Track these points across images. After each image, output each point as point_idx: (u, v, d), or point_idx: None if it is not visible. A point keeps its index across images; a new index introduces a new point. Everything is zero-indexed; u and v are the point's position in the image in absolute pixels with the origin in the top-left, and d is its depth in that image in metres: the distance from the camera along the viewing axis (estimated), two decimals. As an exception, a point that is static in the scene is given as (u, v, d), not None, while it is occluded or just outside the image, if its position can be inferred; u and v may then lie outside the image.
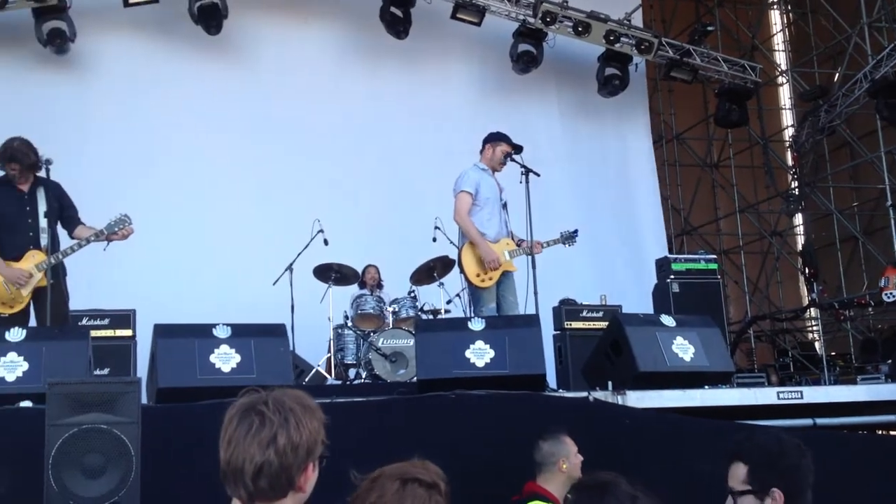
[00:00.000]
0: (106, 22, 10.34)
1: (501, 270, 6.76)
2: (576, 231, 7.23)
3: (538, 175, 6.76)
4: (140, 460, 3.96)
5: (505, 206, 6.94)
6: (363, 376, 8.34)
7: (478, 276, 6.72)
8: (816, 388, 7.96)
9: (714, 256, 10.21)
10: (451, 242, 8.38)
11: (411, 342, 8.04)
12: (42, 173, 5.99)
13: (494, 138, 7.06)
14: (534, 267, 6.48)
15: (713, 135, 15.97)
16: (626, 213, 12.09)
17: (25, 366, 4.83)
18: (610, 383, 5.44)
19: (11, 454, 4.20)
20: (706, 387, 5.78)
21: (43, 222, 5.94)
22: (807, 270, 13.30)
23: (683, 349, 5.68)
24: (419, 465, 2.11)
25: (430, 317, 8.57)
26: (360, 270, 9.19)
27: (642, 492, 2.38)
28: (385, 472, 2.11)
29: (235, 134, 10.55)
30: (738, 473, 2.67)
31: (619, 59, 11.55)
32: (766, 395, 6.01)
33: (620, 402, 5.29)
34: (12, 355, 4.86)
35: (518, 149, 6.98)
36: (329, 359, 8.69)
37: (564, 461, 4.31)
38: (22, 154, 5.86)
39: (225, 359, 5.02)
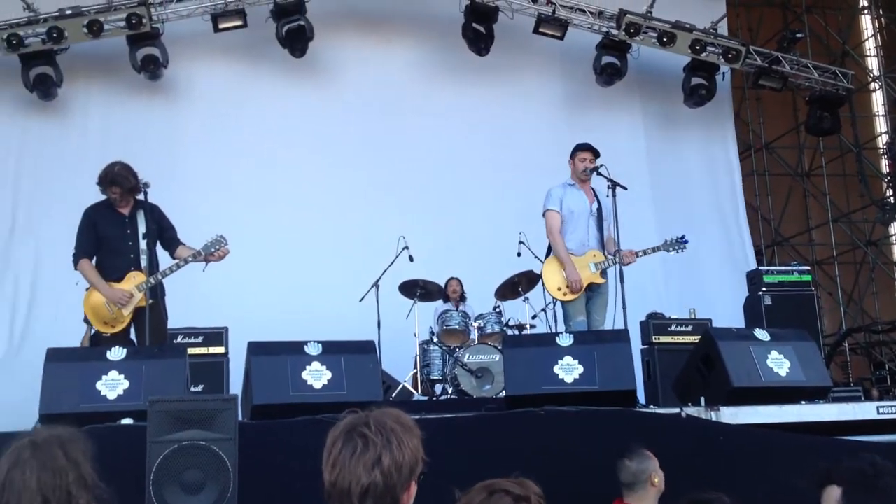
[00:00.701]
0: (196, 48, 10.67)
1: (586, 284, 6.71)
2: (683, 238, 7.08)
3: (625, 188, 6.71)
4: (237, 476, 4.05)
5: (599, 216, 6.87)
6: (449, 392, 8.37)
7: (559, 289, 6.74)
8: (920, 402, 7.65)
9: (807, 268, 9.93)
10: (536, 257, 8.38)
11: (497, 357, 8.04)
12: (140, 196, 6.18)
13: (574, 150, 7.08)
14: (622, 281, 6.42)
15: (804, 143, 15.55)
16: (714, 225, 11.85)
17: (126, 384, 4.98)
18: (702, 399, 5.34)
19: (112, 471, 4.32)
20: (802, 402, 5.62)
21: (143, 244, 6.11)
22: (904, 281, 12.84)
23: (778, 364, 5.56)
24: (515, 480, 2.12)
25: (516, 332, 8.56)
26: (442, 285, 9.24)
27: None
28: (478, 484, 2.13)
29: (321, 153, 10.75)
30: (833, 496, 2.61)
31: (706, 68, 11.36)
32: (865, 411, 5.82)
33: (714, 419, 5.20)
34: (113, 374, 5.02)
35: (594, 152, 6.95)
36: (415, 374, 8.74)
37: (655, 475, 4.27)
38: (122, 178, 6.06)
39: (316, 375, 5.11)
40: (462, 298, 9.42)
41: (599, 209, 6.88)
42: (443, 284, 9.25)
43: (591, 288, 6.77)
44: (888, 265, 15.08)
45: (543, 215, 6.93)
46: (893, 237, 15.70)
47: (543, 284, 6.91)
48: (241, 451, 4.10)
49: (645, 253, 6.84)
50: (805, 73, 11.98)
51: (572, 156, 7.06)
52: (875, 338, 14.58)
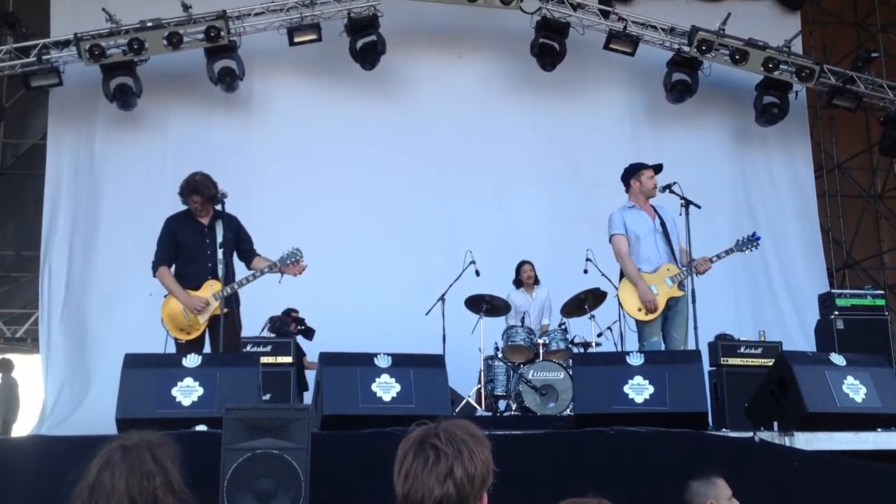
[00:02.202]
0: (271, 62, 10.92)
1: (666, 299, 6.65)
2: (755, 235, 7.00)
3: (699, 207, 6.65)
4: (309, 486, 4.08)
5: (664, 231, 6.81)
6: (513, 408, 8.34)
7: (639, 310, 6.64)
8: None
9: (881, 292, 9.70)
10: (603, 274, 8.34)
11: (562, 375, 8.01)
12: (219, 207, 6.31)
13: (634, 170, 7.02)
14: (694, 301, 6.35)
15: (877, 164, 15.21)
16: (785, 247, 11.64)
17: (201, 391, 5.06)
18: (776, 424, 5.25)
19: (186, 477, 4.41)
20: (879, 429, 5.49)
21: (220, 253, 6.22)
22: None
23: (854, 389, 5.44)
24: (596, 500, 2.11)
25: (581, 349, 8.50)
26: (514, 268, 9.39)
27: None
28: (562, 501, 2.13)
29: (392, 168, 10.88)
30: None
31: (778, 86, 11.20)
32: (944, 439, 5.66)
33: (788, 444, 5.10)
34: (188, 380, 5.11)
35: (658, 168, 6.94)
36: (479, 390, 8.73)
37: (714, 502, 4.18)
38: (203, 187, 6.20)
39: (386, 388, 5.15)
40: (536, 282, 9.44)
41: (663, 224, 6.83)
42: (516, 267, 9.38)
43: (669, 306, 6.69)
44: (963, 289, 14.64)
45: (610, 241, 6.92)
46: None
47: (622, 307, 6.85)
48: (311, 460, 4.13)
49: (719, 257, 6.76)
50: (880, 93, 11.74)
51: (635, 175, 6.99)
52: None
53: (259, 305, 8.82)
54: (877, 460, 5.11)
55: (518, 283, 9.44)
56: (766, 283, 11.07)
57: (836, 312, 8.93)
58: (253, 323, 7.90)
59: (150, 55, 10.01)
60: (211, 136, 10.71)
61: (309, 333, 9.26)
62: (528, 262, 9.48)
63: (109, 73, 10.02)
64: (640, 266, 6.72)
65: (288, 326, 9.05)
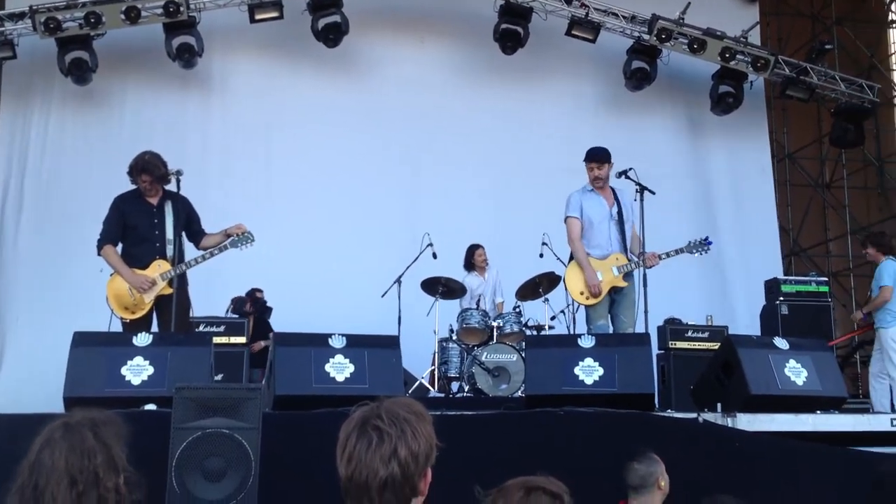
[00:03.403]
0: (231, 39, 10.81)
1: (609, 287, 6.75)
2: (707, 239, 7.09)
3: (653, 193, 6.75)
4: (259, 465, 4.09)
5: (620, 219, 6.88)
6: (465, 390, 8.41)
7: (581, 293, 6.75)
8: (933, 416, 7.64)
9: (825, 279, 9.94)
10: (558, 258, 8.42)
11: (515, 357, 8.09)
12: (173, 184, 6.26)
13: (585, 158, 7.06)
14: (645, 286, 6.45)
15: (826, 155, 15.50)
16: (738, 234, 11.82)
17: (151, 370, 5.02)
18: (720, 405, 5.37)
19: (134, 456, 4.39)
20: (818, 412, 5.64)
21: (170, 234, 6.20)
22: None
23: (796, 373, 5.57)
24: (548, 478, 2.16)
25: (534, 332, 8.60)
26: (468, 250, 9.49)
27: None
28: (510, 482, 2.16)
29: (351, 149, 10.86)
30: None
31: (734, 76, 11.35)
32: (879, 422, 5.83)
33: (730, 425, 5.22)
34: (139, 359, 5.06)
35: (599, 160, 6.88)
36: (433, 371, 8.80)
37: (661, 479, 4.30)
38: (153, 166, 6.14)
39: (339, 368, 5.15)
40: (486, 263, 9.57)
41: (620, 212, 6.89)
42: (468, 250, 9.49)
43: (616, 291, 6.79)
44: (905, 279, 14.98)
45: (564, 221, 6.97)
46: (912, 251, 15.60)
47: (566, 289, 6.95)
48: (262, 440, 4.14)
49: (668, 255, 6.83)
50: (832, 85, 11.95)
51: (584, 161, 7.04)
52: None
53: (219, 285, 8.81)
54: (815, 441, 5.25)
55: (470, 266, 9.51)
56: (717, 268, 11.24)
57: (782, 298, 9.16)
58: (208, 303, 7.88)
59: (106, 29, 9.84)
60: (168, 113, 10.58)
61: (266, 311, 9.26)
62: (480, 246, 9.57)
63: (65, 47, 9.84)
64: (591, 251, 6.80)
65: (244, 306, 9.04)
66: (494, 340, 8.51)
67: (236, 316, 8.73)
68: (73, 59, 9.86)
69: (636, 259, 6.74)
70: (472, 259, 9.51)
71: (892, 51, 15.71)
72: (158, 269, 6.16)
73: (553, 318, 8.76)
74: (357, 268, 10.04)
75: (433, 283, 8.83)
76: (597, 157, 6.91)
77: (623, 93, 11.48)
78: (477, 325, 8.73)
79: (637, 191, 6.75)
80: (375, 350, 5.30)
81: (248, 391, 4.31)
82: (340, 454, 2.01)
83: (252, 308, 9.13)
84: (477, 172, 11.06)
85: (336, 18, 10.11)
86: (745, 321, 10.33)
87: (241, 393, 4.26)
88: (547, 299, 8.78)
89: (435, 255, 9.02)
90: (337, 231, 10.43)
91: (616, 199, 6.94)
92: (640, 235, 6.77)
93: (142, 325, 6.06)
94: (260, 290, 9.38)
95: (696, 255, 7.09)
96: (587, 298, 6.72)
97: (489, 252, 9.62)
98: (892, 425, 5.70)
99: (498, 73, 11.28)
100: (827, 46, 12.02)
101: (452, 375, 8.67)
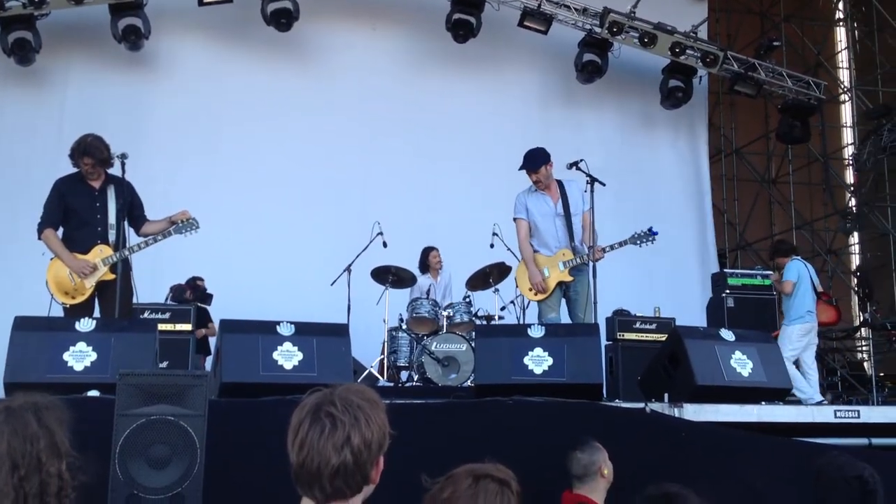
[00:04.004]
0: (179, 22, 10.63)
1: (555, 283, 6.83)
2: (651, 230, 7.14)
3: (603, 184, 6.79)
4: (204, 453, 4.03)
5: (566, 213, 6.92)
6: (415, 379, 8.40)
7: (530, 289, 6.90)
8: (874, 408, 7.82)
9: (770, 273, 10.12)
10: (509, 249, 8.44)
11: (464, 347, 8.10)
12: (117, 168, 6.14)
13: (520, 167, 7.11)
14: (594, 277, 6.50)
15: (773, 150, 15.79)
16: (681, 227, 11.98)
17: (94, 356, 4.91)
18: (667, 395, 5.42)
19: (77, 443, 4.29)
20: (763, 402, 5.73)
21: (112, 218, 6.09)
22: (861, 290, 13.09)
23: (742, 364, 5.64)
24: (495, 465, 2.15)
25: (484, 322, 8.61)
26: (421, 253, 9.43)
27: (709, 504, 2.40)
28: (458, 470, 2.15)
29: (300, 135, 10.77)
30: None
31: (684, 71, 11.49)
32: (823, 414, 5.95)
33: (677, 415, 5.27)
34: (81, 345, 4.94)
35: (533, 169, 6.90)
36: (382, 360, 8.77)
37: (604, 467, 4.34)
38: (95, 149, 6.02)
39: (288, 356, 5.09)
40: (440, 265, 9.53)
41: (566, 206, 6.93)
42: (423, 252, 9.42)
43: (570, 289, 6.90)
44: (846, 274, 15.36)
45: (514, 221, 7.08)
46: (853, 247, 15.97)
47: (517, 286, 7.10)
48: (208, 428, 4.08)
49: (612, 248, 6.92)
50: (779, 81, 12.15)
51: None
52: (829, 345, 14.83)
53: (163, 272, 8.66)
54: (760, 432, 5.33)
55: (425, 267, 9.47)
56: (665, 260, 11.36)
57: (728, 291, 9.33)
58: (153, 290, 7.76)
59: (51, 9, 9.64)
60: (113, 96, 10.37)
61: (206, 299, 9.13)
62: (435, 248, 9.53)
63: (7, 27, 9.61)
64: (540, 249, 6.93)
65: (184, 294, 8.91)
66: (444, 330, 8.51)
67: (175, 304, 8.60)
68: (15, 39, 9.63)
69: (584, 252, 6.80)
70: (427, 260, 9.47)
71: (839, 48, 16.04)
72: (100, 254, 6.05)
73: (503, 308, 8.79)
74: (306, 256, 9.97)
75: (383, 272, 8.79)
76: (528, 166, 6.92)
77: (574, 85, 11.55)
78: (427, 315, 8.72)
79: (587, 182, 6.79)
80: (324, 338, 5.24)
81: (193, 378, 4.23)
82: (292, 440, 1.98)
83: (192, 296, 9.00)
84: (428, 161, 11.04)
85: (286, 4, 10.01)
86: (693, 313, 10.46)
87: (187, 380, 4.18)
88: (497, 289, 8.81)
89: (385, 244, 8.98)
90: (286, 218, 10.34)
91: (562, 192, 6.99)
92: (592, 227, 6.81)
93: (83, 310, 5.96)
94: (201, 279, 9.25)
95: (642, 245, 7.15)
96: (535, 294, 6.85)
97: (443, 251, 9.60)
98: (836, 417, 5.82)
99: (450, 62, 11.27)
100: (775, 43, 12.23)
101: (402, 365, 8.66)
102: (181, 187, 9.50)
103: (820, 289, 8.95)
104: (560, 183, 7.04)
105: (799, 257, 8.98)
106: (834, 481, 3.05)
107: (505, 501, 2.09)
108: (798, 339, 8.46)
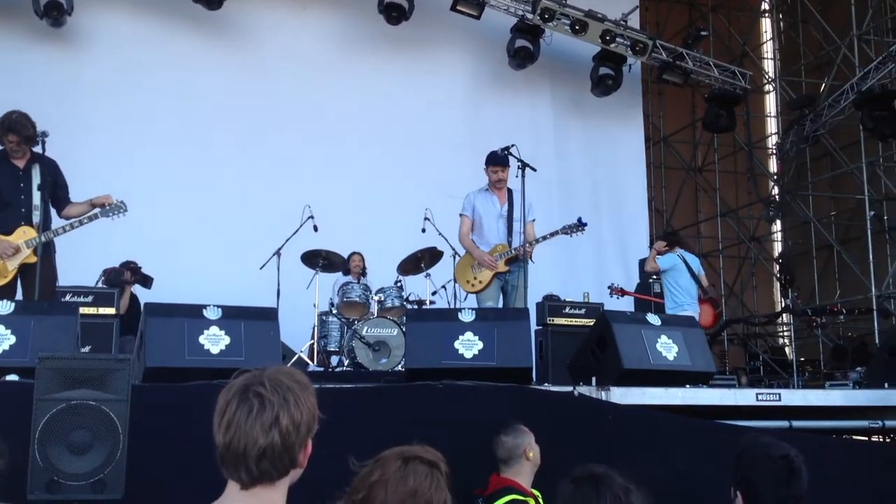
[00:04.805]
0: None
1: (492, 275, 7.09)
2: (581, 220, 7.35)
3: (535, 170, 6.88)
4: (127, 438, 3.96)
5: (509, 216, 7.17)
6: (345, 364, 8.36)
7: (468, 282, 7.22)
8: (794, 391, 8.04)
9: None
10: (440, 234, 8.45)
11: (395, 332, 8.08)
12: (38, 146, 5.96)
13: (486, 159, 7.34)
14: (526, 263, 6.59)
15: (699, 139, 16.10)
16: (613, 213, 12.16)
17: (13, 339, 4.79)
18: (594, 379, 5.49)
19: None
20: (688, 386, 5.84)
21: (36, 199, 5.92)
22: (783, 277, 13.44)
23: (667, 348, 5.75)
24: (423, 447, 2.14)
25: (416, 307, 8.60)
26: (345, 258, 9.21)
27: (634, 485, 2.43)
28: (387, 452, 2.14)
29: (227, 116, 10.57)
30: None
31: (614, 59, 11.61)
32: (745, 397, 6.08)
33: (604, 398, 5.35)
34: (0, 328, 4.83)
35: (503, 165, 7.19)
36: (312, 345, 8.69)
37: (529, 450, 4.38)
38: (21, 126, 5.85)
39: (214, 340, 5.01)
40: (363, 273, 9.40)
41: (510, 210, 7.18)
42: (346, 257, 9.21)
43: (507, 281, 7.17)
44: (769, 261, 15.77)
45: (459, 217, 7.39)
46: (775, 234, 16.41)
47: (456, 281, 7.43)
48: (131, 413, 4.00)
49: (544, 238, 7.15)
50: (706, 71, 12.37)
51: (486, 165, 7.31)
52: (752, 330, 15.24)
53: (87, 255, 8.43)
54: (684, 414, 5.44)
55: (347, 271, 9.38)
56: (594, 247, 11.51)
57: (655, 276, 9.43)
58: (76, 273, 7.55)
59: (-33, -18, 9.28)
60: (34, 72, 10.03)
61: (147, 282, 8.92)
62: (357, 254, 9.46)
63: (-81, -1, 9.22)
64: (481, 246, 7.20)
65: (122, 276, 8.68)
66: (375, 315, 8.47)
67: (107, 287, 8.37)
68: (-71, 11, 9.24)
69: (516, 247, 7.01)
70: (348, 265, 9.36)
71: (764, 39, 16.39)
72: (23, 236, 5.89)
73: (434, 293, 8.79)
74: (235, 239, 9.82)
75: (313, 256, 8.70)
76: (501, 160, 7.19)
77: (507, 71, 11.57)
78: (358, 299, 8.68)
79: (519, 167, 6.89)
80: (252, 322, 5.16)
81: (116, 362, 4.14)
82: (219, 421, 1.94)
83: (133, 278, 8.78)
84: (359, 143, 10.96)
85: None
86: (621, 299, 10.62)
87: (109, 364, 4.10)
88: (429, 274, 8.80)
89: (316, 228, 8.87)
90: (213, 201, 10.16)
91: (510, 198, 7.23)
92: (523, 213, 6.91)
93: (4, 293, 5.77)
94: (134, 263, 9.03)
95: (572, 235, 7.42)
96: (473, 286, 7.15)
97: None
98: (758, 400, 5.96)
99: (382, 44, 11.19)
100: (703, 33, 12.43)
101: (332, 349, 8.61)
102: (104, 166, 9.26)
103: (705, 285, 8.74)
104: (510, 191, 7.28)
105: (682, 251, 8.55)
106: (758, 460, 3.12)
107: (434, 482, 2.08)
108: None
